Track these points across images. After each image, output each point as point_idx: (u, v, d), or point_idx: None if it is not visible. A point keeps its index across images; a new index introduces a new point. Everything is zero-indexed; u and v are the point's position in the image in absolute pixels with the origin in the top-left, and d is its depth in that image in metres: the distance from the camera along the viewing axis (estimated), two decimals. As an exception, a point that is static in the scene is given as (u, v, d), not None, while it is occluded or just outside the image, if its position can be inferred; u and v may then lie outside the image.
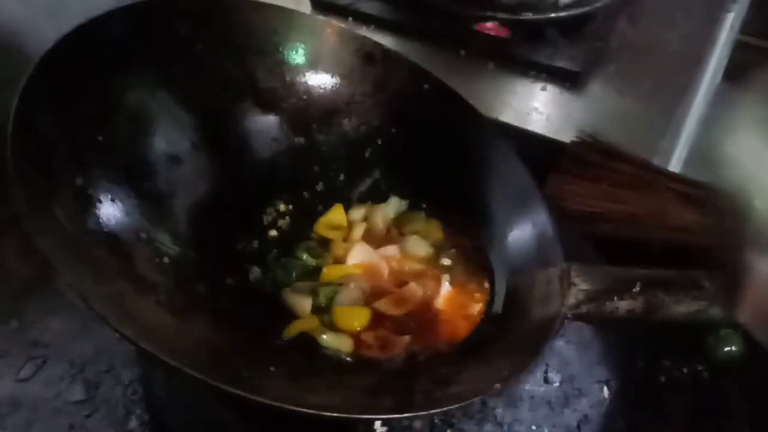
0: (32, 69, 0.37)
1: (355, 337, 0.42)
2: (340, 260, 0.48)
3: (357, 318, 0.43)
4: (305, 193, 0.51)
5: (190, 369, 0.32)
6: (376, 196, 0.52)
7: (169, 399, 0.44)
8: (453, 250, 0.49)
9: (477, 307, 0.45)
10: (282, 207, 0.50)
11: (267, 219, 0.49)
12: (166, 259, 0.41)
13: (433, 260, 0.48)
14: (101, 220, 0.38)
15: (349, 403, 0.35)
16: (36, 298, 0.50)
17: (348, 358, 0.41)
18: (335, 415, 0.32)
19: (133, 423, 0.44)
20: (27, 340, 0.48)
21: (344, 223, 0.50)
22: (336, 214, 0.50)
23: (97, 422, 0.44)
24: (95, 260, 0.36)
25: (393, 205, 0.51)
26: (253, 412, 0.40)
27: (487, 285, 0.46)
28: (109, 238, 0.38)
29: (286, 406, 0.32)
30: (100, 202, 0.39)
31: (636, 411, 0.44)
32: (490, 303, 0.45)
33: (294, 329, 0.42)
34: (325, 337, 0.42)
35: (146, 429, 0.44)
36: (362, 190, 0.52)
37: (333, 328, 0.43)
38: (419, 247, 0.48)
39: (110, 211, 0.39)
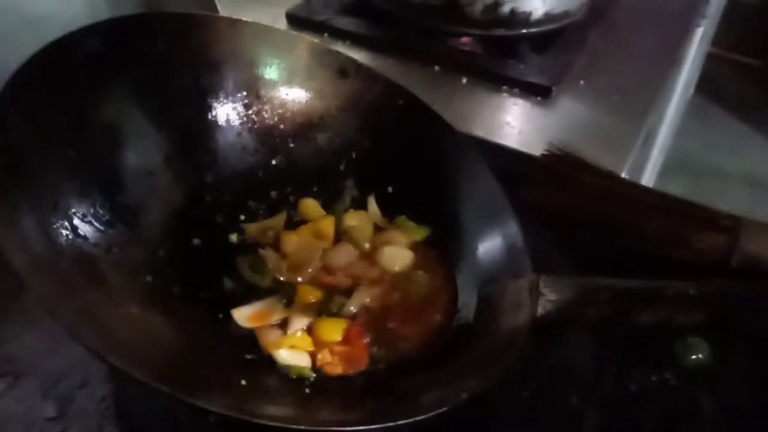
0: (6, 83, 0.38)
1: (313, 355, 0.42)
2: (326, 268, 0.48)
3: (338, 328, 0.43)
4: (280, 206, 0.52)
5: (161, 383, 0.32)
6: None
7: (143, 414, 0.44)
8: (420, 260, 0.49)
9: (440, 317, 0.45)
10: (256, 219, 0.50)
11: (239, 231, 0.49)
12: (138, 273, 0.41)
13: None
14: (71, 235, 0.39)
15: (320, 415, 0.36)
16: (8, 314, 0.50)
17: (314, 374, 0.41)
18: (307, 428, 0.33)
19: (106, 439, 0.44)
20: (-1, 356, 0.48)
21: (331, 232, 0.50)
22: (325, 224, 0.50)
23: (70, 438, 0.43)
24: (65, 275, 0.36)
25: (374, 209, 0.52)
26: (228, 427, 0.40)
27: (451, 293, 0.47)
28: (80, 253, 0.38)
29: (257, 420, 0.32)
30: (71, 216, 0.39)
31: (606, 418, 0.44)
32: (454, 311, 0.46)
33: (282, 344, 0.42)
34: (283, 354, 0.41)
35: (119, 444, 0.43)
36: (335, 202, 0.53)
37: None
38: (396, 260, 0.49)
39: (81, 225, 0.40)
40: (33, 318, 0.50)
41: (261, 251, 0.48)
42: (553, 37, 0.75)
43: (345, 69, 0.53)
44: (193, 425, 0.41)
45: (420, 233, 0.51)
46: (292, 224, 0.51)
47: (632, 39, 0.83)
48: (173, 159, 0.48)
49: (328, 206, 0.52)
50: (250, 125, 0.52)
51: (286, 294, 0.45)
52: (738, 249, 0.51)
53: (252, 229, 0.49)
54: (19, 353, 0.48)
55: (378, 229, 0.51)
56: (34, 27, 0.57)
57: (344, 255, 0.49)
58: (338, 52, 0.54)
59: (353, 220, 0.51)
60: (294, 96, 0.53)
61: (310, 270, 0.47)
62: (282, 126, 0.53)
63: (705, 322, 0.43)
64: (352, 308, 0.45)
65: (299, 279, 0.47)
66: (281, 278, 0.47)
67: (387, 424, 0.36)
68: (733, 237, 0.51)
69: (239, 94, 0.51)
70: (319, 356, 0.41)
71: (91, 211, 0.41)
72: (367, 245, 0.50)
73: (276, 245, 0.49)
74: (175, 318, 0.41)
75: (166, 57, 0.48)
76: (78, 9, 0.64)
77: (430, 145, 0.52)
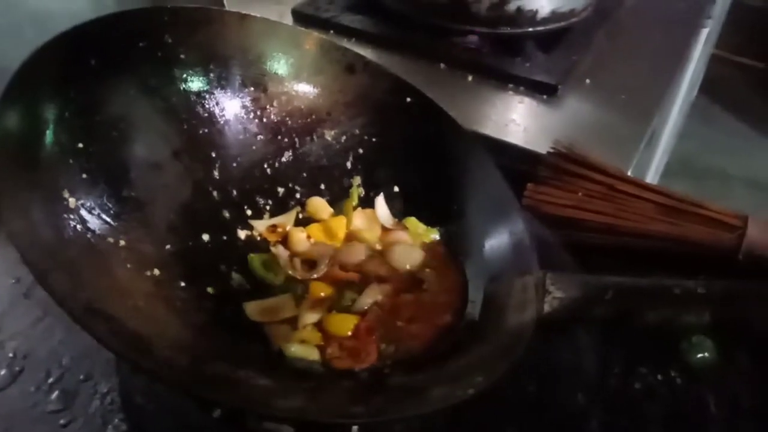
0: (13, 75, 0.38)
1: (321, 349, 0.42)
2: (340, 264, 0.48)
3: (348, 323, 0.43)
4: (287, 202, 0.52)
5: (168, 375, 0.32)
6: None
7: (147, 408, 0.44)
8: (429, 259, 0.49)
9: (449, 316, 0.45)
10: (263, 215, 0.50)
11: (247, 227, 0.49)
12: (145, 266, 0.41)
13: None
14: (80, 226, 0.38)
15: (326, 406, 0.36)
16: (16, 307, 0.50)
17: (322, 368, 0.41)
18: (313, 418, 0.33)
19: (111, 433, 0.44)
20: (5, 349, 0.48)
21: (342, 232, 0.50)
22: (336, 224, 0.50)
23: (74, 432, 0.43)
24: (73, 266, 0.36)
25: (382, 210, 0.52)
26: (234, 419, 0.40)
27: (460, 293, 0.47)
28: (88, 244, 0.38)
29: (264, 410, 0.32)
30: (79, 208, 0.39)
31: (611, 417, 0.44)
32: (463, 311, 0.46)
33: (295, 338, 0.42)
34: (292, 348, 0.41)
35: (124, 438, 0.43)
36: (342, 199, 0.52)
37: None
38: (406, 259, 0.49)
39: (89, 217, 0.39)
40: (39, 312, 0.50)
41: (273, 249, 0.48)
42: (559, 35, 0.75)
43: (353, 65, 0.53)
44: (197, 418, 0.41)
45: (428, 235, 0.51)
46: (300, 221, 0.51)
47: (638, 39, 0.83)
48: (180, 153, 0.47)
49: (335, 203, 0.52)
50: (257, 121, 0.52)
51: (297, 290, 0.45)
52: (744, 248, 0.51)
53: (260, 225, 0.49)
54: (24, 347, 0.48)
55: (386, 229, 0.51)
56: (40, 22, 0.58)
57: (355, 254, 0.49)
58: (346, 48, 0.54)
59: (361, 220, 0.51)
60: (301, 91, 0.53)
61: (322, 267, 0.47)
62: (289, 122, 0.53)
63: (711, 321, 0.43)
64: (362, 305, 0.45)
65: (312, 276, 0.47)
66: (295, 275, 0.47)
67: (393, 417, 0.36)
68: (739, 236, 0.51)
69: (247, 90, 0.51)
70: (329, 350, 0.42)
71: (99, 203, 0.41)
72: (378, 245, 0.50)
73: (285, 242, 0.49)
74: (182, 311, 0.40)
75: (173, 51, 0.48)
76: (84, 4, 0.64)
77: (437, 142, 0.52)
